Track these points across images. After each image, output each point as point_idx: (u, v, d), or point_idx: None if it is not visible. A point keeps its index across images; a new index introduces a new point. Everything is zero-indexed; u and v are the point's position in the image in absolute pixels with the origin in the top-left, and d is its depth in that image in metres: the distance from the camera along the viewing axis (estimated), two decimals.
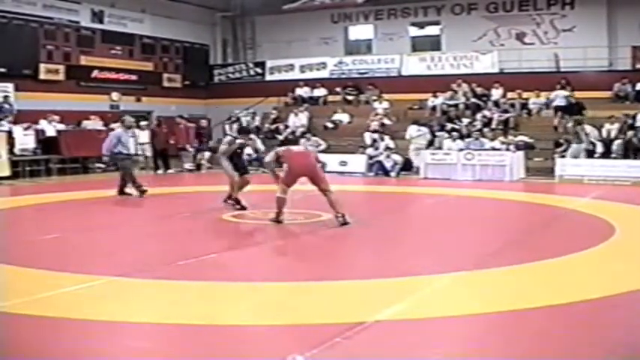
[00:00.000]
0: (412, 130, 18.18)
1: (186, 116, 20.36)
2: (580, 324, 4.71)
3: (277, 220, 8.86)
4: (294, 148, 9.17)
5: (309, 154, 9.06)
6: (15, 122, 17.26)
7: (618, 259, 6.84)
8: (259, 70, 24.98)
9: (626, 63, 19.90)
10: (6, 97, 17.67)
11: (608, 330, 4.59)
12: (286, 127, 20.73)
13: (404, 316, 4.74)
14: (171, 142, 19.03)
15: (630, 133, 16.24)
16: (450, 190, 14.01)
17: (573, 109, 17.97)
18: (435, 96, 20.38)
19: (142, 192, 12.37)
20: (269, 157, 9.18)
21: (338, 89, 22.62)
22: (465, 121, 18.82)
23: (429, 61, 22.37)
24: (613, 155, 15.85)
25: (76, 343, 4.25)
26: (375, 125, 19.15)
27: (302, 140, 17.19)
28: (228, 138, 11.19)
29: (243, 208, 10.07)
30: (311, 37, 24.70)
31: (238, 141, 10.53)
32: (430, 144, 18.00)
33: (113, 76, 21.87)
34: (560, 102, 18.69)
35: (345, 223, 8.60)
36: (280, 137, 19.87)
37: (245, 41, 26.64)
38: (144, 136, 19.23)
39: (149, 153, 19.19)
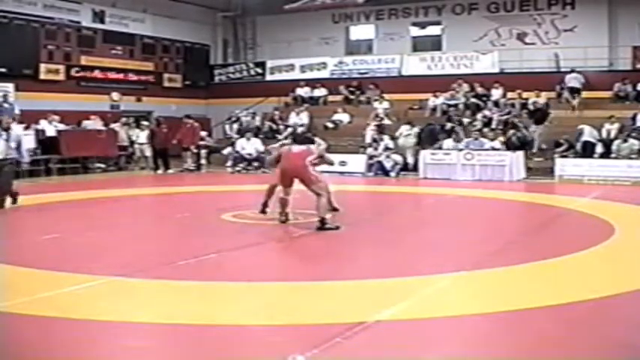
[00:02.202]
0: (403, 130, 18.41)
1: (194, 116, 20.27)
2: (580, 324, 4.71)
3: (281, 220, 8.91)
4: (295, 148, 9.08)
5: (302, 157, 8.81)
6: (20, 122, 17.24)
7: (618, 259, 6.85)
8: (260, 70, 25.00)
9: (627, 63, 19.92)
10: (5, 96, 17.67)
11: (608, 330, 4.58)
12: (287, 126, 20.71)
13: (404, 316, 4.74)
14: (175, 141, 18.89)
15: (511, 132, 17.07)
16: (449, 190, 14.01)
17: (537, 114, 17.85)
18: (436, 96, 20.39)
19: None
20: (271, 157, 9.23)
21: (341, 87, 22.57)
22: (465, 121, 18.81)
23: (429, 61, 22.39)
24: (613, 155, 15.87)
25: (76, 343, 4.25)
26: (373, 127, 19.11)
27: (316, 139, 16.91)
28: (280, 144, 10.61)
29: (264, 212, 9.66)
30: (312, 37, 24.71)
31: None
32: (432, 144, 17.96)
33: (113, 76, 21.90)
34: (573, 83, 19.27)
35: (321, 229, 8.32)
36: (280, 137, 19.80)
37: (246, 41, 26.66)
38: (143, 136, 19.26)
39: (148, 153, 19.19)
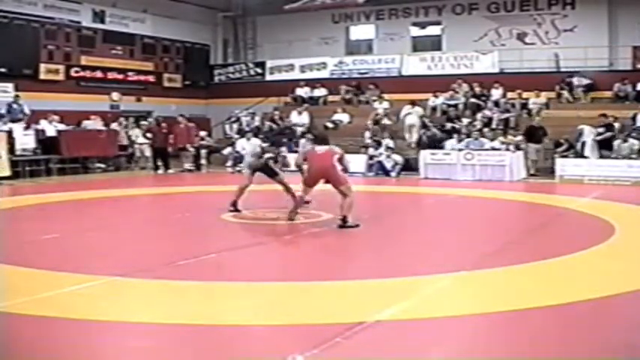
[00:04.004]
0: (405, 110, 19.36)
1: (187, 115, 20.31)
2: (580, 324, 4.71)
3: (289, 218, 8.97)
4: (318, 148, 9.12)
5: (329, 157, 8.86)
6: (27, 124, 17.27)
7: (618, 259, 6.84)
8: (259, 70, 25.00)
9: (627, 63, 19.92)
10: (17, 96, 17.71)
11: (608, 330, 4.59)
12: (289, 127, 20.74)
13: (404, 316, 4.74)
14: (170, 141, 18.91)
15: (422, 131, 18.14)
16: (449, 190, 14.01)
17: (538, 133, 17.04)
18: (436, 96, 20.41)
19: None
20: (298, 159, 9.37)
21: (343, 87, 22.53)
22: (465, 121, 18.82)
23: (429, 61, 22.39)
24: (613, 155, 15.84)
25: (75, 343, 4.25)
26: (372, 126, 19.20)
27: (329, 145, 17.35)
28: (257, 150, 10.37)
29: (236, 210, 9.83)
30: (312, 37, 24.72)
31: (266, 155, 10.08)
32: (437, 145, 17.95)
33: (113, 76, 21.90)
34: (585, 81, 19.48)
35: (343, 227, 8.45)
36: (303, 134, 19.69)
37: (246, 41, 26.67)
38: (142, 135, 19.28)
39: (148, 153, 19.18)
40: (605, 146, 16.02)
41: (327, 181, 8.80)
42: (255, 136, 19.48)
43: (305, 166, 9.08)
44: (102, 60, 21.48)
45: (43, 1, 19.91)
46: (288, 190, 9.83)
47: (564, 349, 4.17)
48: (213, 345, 4.24)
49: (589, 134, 16.54)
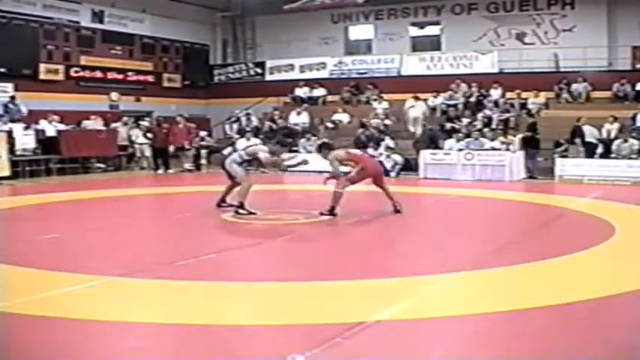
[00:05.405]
0: (408, 104, 19.91)
1: (186, 116, 20.32)
2: (580, 324, 4.71)
3: (332, 214, 9.20)
4: (366, 151, 9.60)
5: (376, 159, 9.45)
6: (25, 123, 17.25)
7: (618, 259, 6.84)
8: (259, 70, 25.01)
9: (626, 63, 19.94)
10: (13, 97, 17.70)
11: (608, 330, 4.58)
12: (287, 127, 20.73)
13: (404, 316, 4.73)
14: (170, 141, 18.92)
15: (360, 131, 18.78)
16: (449, 190, 14.00)
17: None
18: (435, 96, 20.42)
19: None
20: (335, 159, 9.72)
21: (345, 88, 22.57)
22: (465, 121, 18.83)
23: (428, 61, 22.41)
24: (613, 155, 15.87)
25: (75, 343, 4.25)
26: (375, 124, 19.26)
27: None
28: (269, 146, 10.46)
29: (250, 212, 9.76)
30: (311, 37, 24.74)
31: (286, 161, 10.50)
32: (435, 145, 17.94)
33: (113, 76, 21.91)
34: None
35: (398, 211, 9.67)
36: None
37: (245, 41, 26.67)
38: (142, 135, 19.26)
39: (148, 153, 19.18)
40: (530, 145, 16.47)
41: (375, 180, 9.85)
42: (255, 136, 19.54)
43: (357, 167, 9.63)
44: (101, 60, 21.49)
45: (42, 1, 19.92)
46: (232, 189, 10.16)
47: (564, 349, 4.16)
48: (213, 345, 4.24)
49: (589, 134, 16.59)
